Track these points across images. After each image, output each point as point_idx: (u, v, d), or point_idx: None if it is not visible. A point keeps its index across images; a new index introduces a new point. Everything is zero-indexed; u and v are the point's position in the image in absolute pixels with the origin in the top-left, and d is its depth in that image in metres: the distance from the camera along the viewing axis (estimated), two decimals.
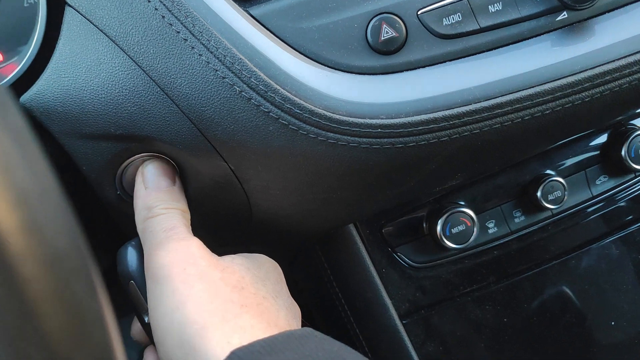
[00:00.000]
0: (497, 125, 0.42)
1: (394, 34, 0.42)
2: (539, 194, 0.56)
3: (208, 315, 0.36)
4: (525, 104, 0.41)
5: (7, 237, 0.14)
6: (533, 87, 0.42)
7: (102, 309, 0.17)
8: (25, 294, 0.14)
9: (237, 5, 0.42)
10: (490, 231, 0.57)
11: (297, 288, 0.65)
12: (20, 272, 0.14)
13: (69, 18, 0.43)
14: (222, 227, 0.50)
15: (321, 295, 0.61)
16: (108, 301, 0.17)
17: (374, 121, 0.40)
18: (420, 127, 0.41)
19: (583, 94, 0.42)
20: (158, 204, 0.42)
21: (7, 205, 0.14)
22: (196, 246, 0.40)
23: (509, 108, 0.41)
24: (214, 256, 0.40)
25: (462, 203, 0.57)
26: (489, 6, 0.43)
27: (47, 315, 0.15)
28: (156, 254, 0.40)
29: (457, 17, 0.42)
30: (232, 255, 0.42)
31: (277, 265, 0.44)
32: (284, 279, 0.44)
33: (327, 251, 0.58)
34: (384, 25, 0.42)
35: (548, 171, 0.58)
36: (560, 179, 0.57)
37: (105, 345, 0.17)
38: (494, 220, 0.58)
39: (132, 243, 0.43)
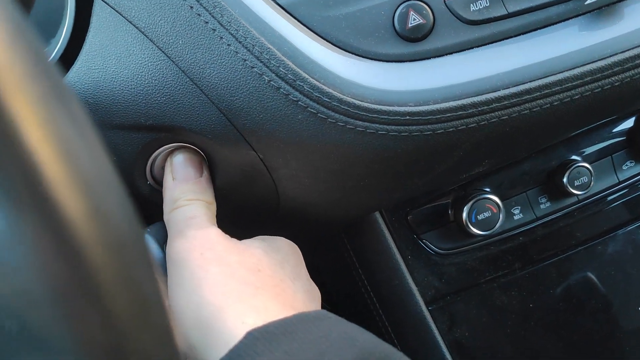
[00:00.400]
0: (525, 112, 0.42)
1: (421, 21, 0.42)
2: (565, 179, 0.56)
3: (223, 296, 0.37)
4: (554, 89, 0.41)
5: (76, 224, 0.15)
6: (562, 72, 0.41)
7: (160, 291, 0.18)
8: (94, 279, 0.15)
9: None
10: (515, 217, 0.57)
11: (320, 275, 0.65)
12: (89, 258, 0.15)
13: (98, 10, 0.44)
14: (249, 216, 0.50)
15: (346, 282, 0.62)
16: (164, 285, 0.18)
17: (402, 108, 0.40)
18: (449, 114, 0.41)
19: (613, 78, 0.42)
20: (183, 196, 0.43)
21: (75, 193, 0.15)
22: (214, 233, 0.41)
23: (538, 94, 0.41)
24: (233, 241, 0.41)
25: (488, 189, 0.56)
26: None
27: (114, 299, 0.15)
28: (176, 241, 0.41)
29: (484, 3, 0.42)
30: (251, 239, 0.43)
31: (297, 248, 0.45)
32: (303, 262, 0.45)
33: (352, 238, 0.59)
34: (411, 12, 0.42)
35: (574, 157, 0.58)
36: (587, 165, 0.56)
37: (166, 326, 0.17)
38: (519, 207, 0.57)
39: (148, 230, 0.44)
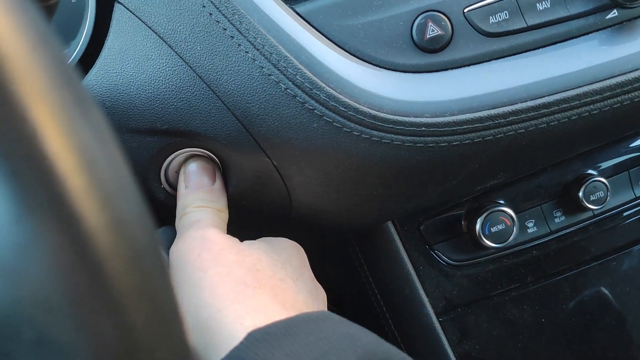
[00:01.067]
0: (543, 125, 0.41)
1: (440, 32, 0.42)
2: (580, 194, 0.55)
3: (221, 297, 0.36)
4: (572, 103, 0.41)
5: (96, 234, 0.15)
6: (581, 86, 0.41)
7: (177, 302, 0.18)
8: (112, 289, 0.15)
9: (283, 3, 0.42)
10: (529, 231, 0.57)
11: (330, 282, 0.65)
12: (108, 269, 0.15)
13: (118, 15, 0.44)
14: (261, 221, 0.50)
15: (356, 290, 0.62)
16: (178, 295, 0.18)
17: (418, 119, 0.40)
18: (465, 126, 0.40)
19: (632, 94, 0.42)
20: (193, 203, 0.43)
21: (96, 204, 0.15)
22: (212, 232, 0.41)
23: (556, 108, 0.41)
24: (232, 240, 0.41)
25: (502, 202, 0.56)
26: (537, 4, 0.42)
27: (131, 310, 0.15)
28: (176, 244, 0.41)
29: (504, 15, 0.42)
30: (254, 240, 0.42)
31: (301, 248, 0.45)
32: (307, 262, 0.44)
33: (364, 247, 0.58)
34: (430, 23, 0.42)
35: (590, 171, 0.57)
36: (603, 180, 0.56)
37: (182, 337, 0.17)
38: (533, 220, 0.57)
39: None
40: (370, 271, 0.59)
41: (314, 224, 0.49)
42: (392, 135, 0.40)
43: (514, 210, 0.55)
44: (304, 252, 0.45)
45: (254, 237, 0.44)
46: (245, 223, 0.47)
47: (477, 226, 0.54)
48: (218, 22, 0.41)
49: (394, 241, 0.56)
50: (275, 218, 0.49)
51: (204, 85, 0.42)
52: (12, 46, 0.15)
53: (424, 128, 0.40)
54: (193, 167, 0.45)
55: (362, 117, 0.40)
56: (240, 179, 0.46)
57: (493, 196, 0.56)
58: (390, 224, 0.56)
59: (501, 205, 0.55)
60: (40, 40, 0.16)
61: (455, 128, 0.40)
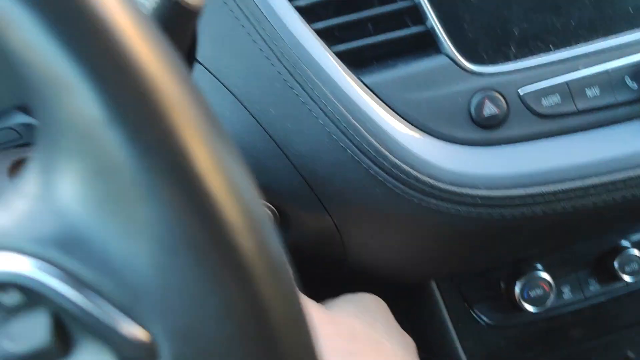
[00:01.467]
0: (589, 205, 0.44)
1: (496, 111, 0.45)
2: (616, 264, 0.57)
3: None
4: (618, 186, 0.44)
5: (262, 279, 0.18)
6: (627, 170, 0.44)
7: (310, 328, 0.20)
8: (266, 317, 0.18)
9: (351, 73, 0.46)
10: (565, 296, 0.59)
11: None
12: (262, 295, 0.18)
13: (198, 73, 0.48)
14: (314, 272, 0.53)
15: None
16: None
17: (474, 191, 0.43)
18: (517, 201, 0.43)
19: None
20: None
21: (250, 234, 0.18)
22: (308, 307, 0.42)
23: (602, 189, 0.44)
24: (321, 308, 0.42)
25: (540, 267, 0.58)
26: (587, 90, 0.45)
27: (274, 311, 0.18)
28: None
29: (556, 99, 0.45)
30: (338, 302, 0.44)
31: (383, 303, 0.46)
32: (391, 315, 0.46)
33: (405, 301, 0.61)
34: (487, 102, 0.45)
35: (625, 243, 0.60)
36: (637, 253, 0.58)
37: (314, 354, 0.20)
38: (569, 286, 0.59)
39: None
40: (410, 325, 0.61)
41: (365, 279, 0.52)
42: (449, 205, 0.43)
43: (552, 276, 0.57)
44: (385, 304, 0.46)
45: (305, 288, 0.47)
46: (299, 274, 0.50)
47: (517, 290, 0.56)
48: (292, 88, 0.44)
49: (435, 298, 0.58)
50: (328, 272, 0.51)
51: (275, 145, 0.45)
52: (177, 98, 0.17)
53: (478, 200, 0.43)
54: None
55: (422, 186, 0.43)
56: (301, 232, 0.49)
57: (532, 261, 0.59)
58: (432, 281, 0.58)
59: (539, 270, 0.57)
60: (196, 96, 0.19)
61: (508, 202, 0.43)
